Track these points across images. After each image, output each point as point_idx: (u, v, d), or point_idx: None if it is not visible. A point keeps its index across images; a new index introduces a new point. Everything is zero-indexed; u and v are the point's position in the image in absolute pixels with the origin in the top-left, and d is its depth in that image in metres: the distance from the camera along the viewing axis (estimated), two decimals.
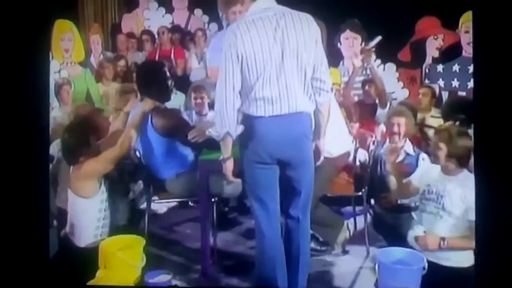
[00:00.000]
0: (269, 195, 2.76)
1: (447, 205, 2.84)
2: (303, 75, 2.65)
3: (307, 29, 2.63)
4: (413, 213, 3.41)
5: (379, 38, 3.72)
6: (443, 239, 2.80)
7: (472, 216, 2.71)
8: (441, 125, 3.38)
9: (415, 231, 2.92)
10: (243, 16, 2.74)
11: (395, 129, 3.56)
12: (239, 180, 2.82)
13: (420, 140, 4.04)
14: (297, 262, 2.84)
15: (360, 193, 3.67)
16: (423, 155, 3.49)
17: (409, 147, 3.55)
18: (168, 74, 3.56)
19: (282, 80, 2.61)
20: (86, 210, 3.10)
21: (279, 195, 2.79)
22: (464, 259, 2.80)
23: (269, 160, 2.70)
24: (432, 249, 2.82)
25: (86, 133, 3.16)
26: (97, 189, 3.12)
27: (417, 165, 3.44)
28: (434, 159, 2.98)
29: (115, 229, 3.20)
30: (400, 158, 3.48)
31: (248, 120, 2.68)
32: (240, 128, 2.67)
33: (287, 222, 2.84)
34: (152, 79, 3.54)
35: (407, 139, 3.58)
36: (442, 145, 2.88)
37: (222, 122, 2.64)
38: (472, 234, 2.69)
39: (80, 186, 3.09)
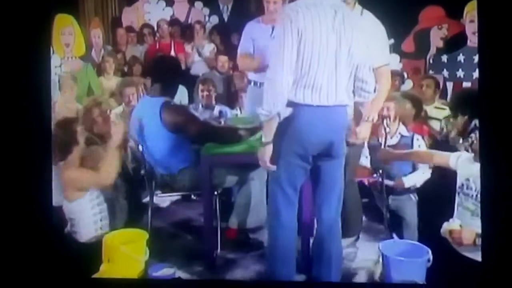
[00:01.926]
0: (294, 188, 2.73)
1: None
2: (349, 71, 2.64)
3: (359, 26, 2.64)
4: (411, 195, 3.47)
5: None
6: (479, 235, 2.72)
7: None
8: None
9: (450, 225, 2.87)
10: None
11: (385, 112, 3.62)
12: (274, 167, 2.68)
13: (428, 131, 4.04)
14: (330, 259, 2.82)
15: (375, 176, 3.66)
16: (417, 136, 3.60)
17: (403, 129, 3.64)
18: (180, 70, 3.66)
19: (333, 72, 2.58)
20: (79, 210, 3.08)
21: (313, 195, 2.81)
22: None
23: (310, 150, 2.65)
24: (466, 244, 2.76)
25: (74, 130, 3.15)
26: (84, 193, 3.09)
27: (412, 145, 3.54)
28: (476, 155, 2.87)
29: (118, 223, 3.20)
30: (396, 140, 3.57)
31: (292, 107, 2.59)
32: (289, 111, 2.57)
33: (321, 228, 2.81)
34: (167, 73, 3.59)
35: (401, 122, 3.67)
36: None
37: (275, 101, 2.53)
38: None
39: (66, 192, 3.07)
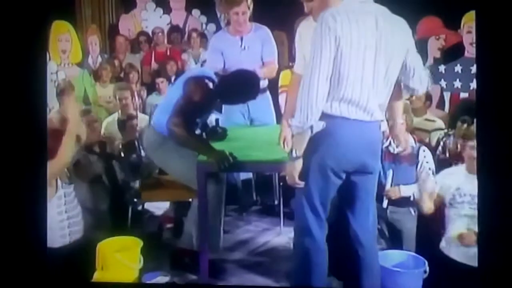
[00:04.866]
0: (324, 205, 2.55)
1: None
2: (387, 84, 2.47)
3: (400, 35, 2.45)
4: (411, 209, 3.41)
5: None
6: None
7: None
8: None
9: (459, 230, 2.96)
10: (337, 4, 2.46)
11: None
12: (302, 184, 2.48)
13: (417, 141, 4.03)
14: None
15: None
16: (423, 148, 3.52)
17: (410, 139, 3.52)
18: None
19: (370, 86, 2.41)
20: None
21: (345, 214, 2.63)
22: None
23: (345, 165, 2.48)
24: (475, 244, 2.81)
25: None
26: (52, 194, 3.02)
27: (417, 156, 3.46)
28: (459, 159, 3.04)
29: (112, 230, 3.19)
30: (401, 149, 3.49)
31: (327, 120, 2.42)
32: (322, 124, 2.41)
33: (362, 250, 2.61)
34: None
35: (409, 133, 3.59)
36: (470, 143, 2.95)
37: (309, 113, 2.35)
38: None
39: None
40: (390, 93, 2.52)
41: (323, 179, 2.49)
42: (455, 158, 3.65)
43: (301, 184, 2.48)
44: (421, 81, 2.58)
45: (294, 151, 2.45)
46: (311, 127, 2.39)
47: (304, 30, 2.87)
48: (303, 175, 2.48)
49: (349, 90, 2.39)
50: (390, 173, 3.38)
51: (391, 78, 2.47)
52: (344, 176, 2.52)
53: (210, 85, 3.36)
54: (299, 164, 2.45)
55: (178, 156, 3.26)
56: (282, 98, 4.69)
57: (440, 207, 3.16)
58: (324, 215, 2.55)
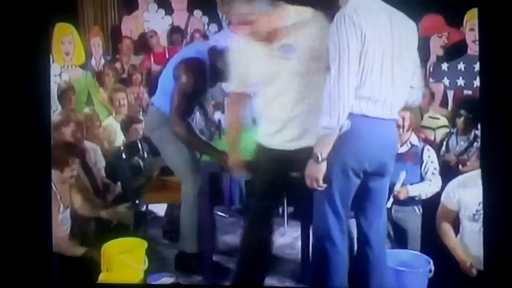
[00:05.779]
0: (346, 207, 2.50)
1: None
2: (402, 81, 2.45)
3: (411, 33, 2.48)
4: (415, 207, 3.40)
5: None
6: None
7: None
8: None
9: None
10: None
11: (399, 122, 3.54)
12: (324, 186, 2.41)
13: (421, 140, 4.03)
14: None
15: None
16: (428, 147, 3.50)
17: (414, 139, 3.55)
18: None
19: (389, 81, 2.38)
20: None
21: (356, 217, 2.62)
22: None
23: (365, 164, 2.42)
24: None
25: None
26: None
27: (421, 156, 3.43)
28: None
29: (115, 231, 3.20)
30: (406, 148, 3.47)
31: (349, 118, 2.36)
32: (347, 124, 2.34)
33: (371, 253, 2.59)
34: None
35: (412, 132, 3.57)
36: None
37: (340, 113, 2.28)
38: None
39: None
40: (405, 89, 2.50)
41: (345, 180, 2.43)
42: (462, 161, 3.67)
43: (323, 186, 2.42)
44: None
45: (319, 155, 2.36)
46: (340, 128, 2.33)
47: (240, 51, 2.77)
48: (326, 177, 2.41)
49: (370, 86, 2.35)
50: (403, 173, 3.34)
51: (405, 73, 2.46)
52: (362, 176, 2.47)
53: (203, 65, 3.26)
54: (324, 167, 2.37)
55: (175, 141, 3.28)
56: None
57: (457, 220, 3.08)
58: (344, 217, 2.51)
